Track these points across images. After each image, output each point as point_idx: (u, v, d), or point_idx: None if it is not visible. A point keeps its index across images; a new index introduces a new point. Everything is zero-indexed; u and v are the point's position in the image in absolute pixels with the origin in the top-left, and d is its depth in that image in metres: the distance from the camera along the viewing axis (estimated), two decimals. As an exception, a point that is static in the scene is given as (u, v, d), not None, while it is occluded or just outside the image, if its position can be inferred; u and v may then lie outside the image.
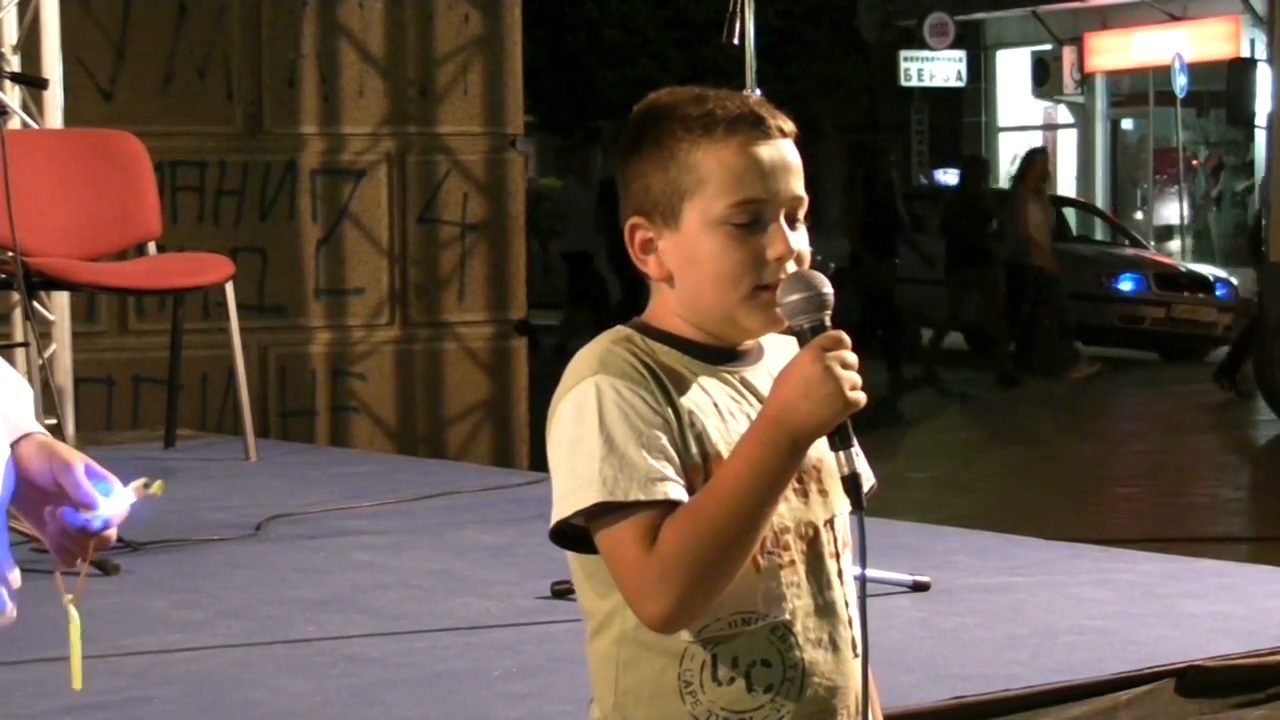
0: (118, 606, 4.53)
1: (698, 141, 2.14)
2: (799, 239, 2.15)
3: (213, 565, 5.17)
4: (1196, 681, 3.96)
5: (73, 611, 2.09)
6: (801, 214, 2.17)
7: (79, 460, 2.11)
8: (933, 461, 12.05)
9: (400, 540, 5.55)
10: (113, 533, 2.10)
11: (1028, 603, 4.67)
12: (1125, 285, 19.62)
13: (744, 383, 2.17)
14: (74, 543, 2.08)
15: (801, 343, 2.08)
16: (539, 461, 8.60)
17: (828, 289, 2.09)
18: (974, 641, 4.25)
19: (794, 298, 2.09)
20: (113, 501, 2.07)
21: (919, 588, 4.69)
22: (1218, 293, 19.82)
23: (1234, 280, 20.63)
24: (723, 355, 2.18)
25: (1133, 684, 3.88)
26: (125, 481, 2.09)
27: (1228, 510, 10.87)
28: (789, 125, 2.18)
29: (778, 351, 2.20)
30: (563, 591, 4.57)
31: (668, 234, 2.16)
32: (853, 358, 2.05)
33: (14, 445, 2.13)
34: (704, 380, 2.15)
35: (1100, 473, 12.22)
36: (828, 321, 2.08)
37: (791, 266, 2.13)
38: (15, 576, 2.13)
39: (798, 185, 2.16)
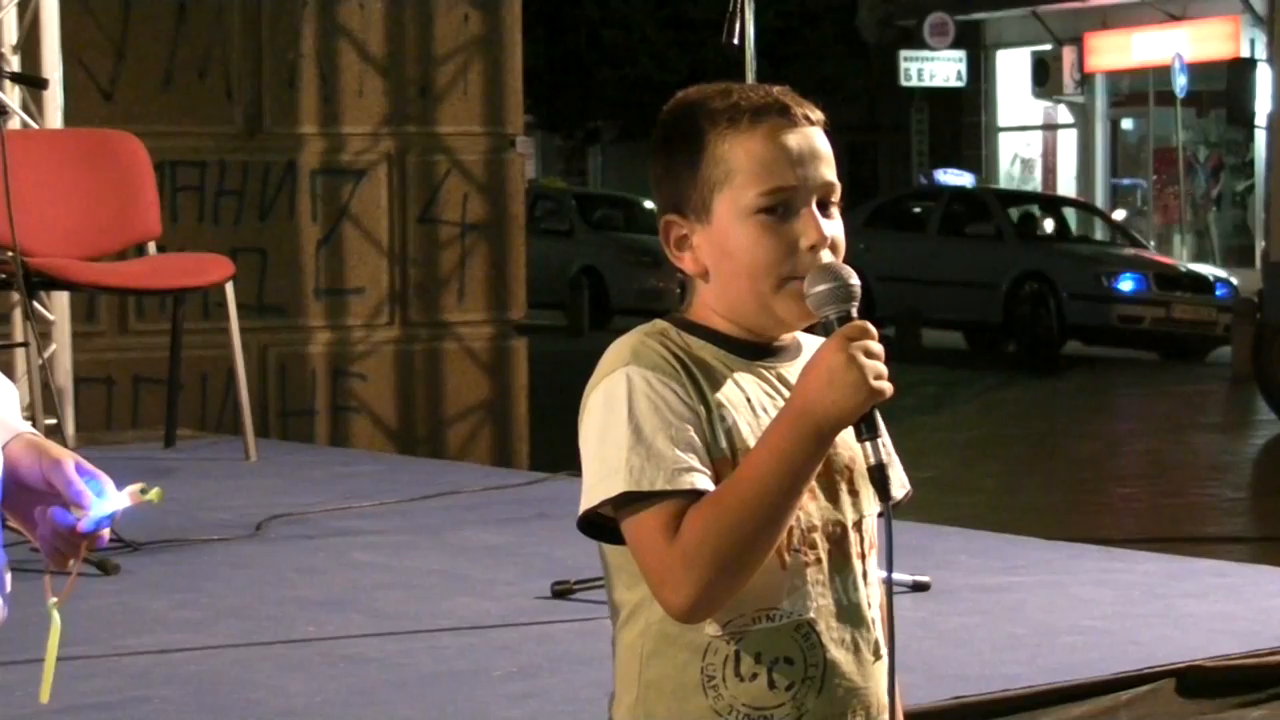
0: (118, 606, 4.52)
1: (724, 133, 2.14)
2: (833, 226, 2.14)
3: (213, 565, 5.16)
4: (1196, 681, 3.96)
5: (56, 617, 2.07)
6: (834, 200, 2.16)
7: (69, 458, 2.09)
8: (933, 461, 12.03)
9: (400, 540, 5.55)
10: (105, 532, 2.08)
11: (1028, 603, 4.67)
12: (1125, 285, 19.62)
13: (780, 378, 2.16)
14: (65, 543, 2.06)
15: (828, 334, 2.08)
16: (539, 461, 8.63)
17: (854, 280, 2.08)
18: (974, 641, 4.25)
19: (820, 289, 2.09)
20: (105, 501, 2.05)
21: (919, 588, 4.68)
22: (1218, 293, 19.83)
23: (1234, 280, 20.64)
24: (760, 351, 2.17)
25: (1133, 684, 3.88)
26: (122, 483, 2.08)
27: (1228, 510, 10.87)
28: (816, 114, 2.17)
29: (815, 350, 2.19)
30: (563, 591, 4.57)
31: (700, 228, 2.16)
32: (878, 347, 2.04)
33: (4, 445, 2.11)
34: (739, 375, 2.14)
35: (1100, 473, 12.21)
36: (854, 312, 2.08)
37: (826, 254, 2.12)
38: (8, 578, 2.12)
39: (828, 172, 2.15)
